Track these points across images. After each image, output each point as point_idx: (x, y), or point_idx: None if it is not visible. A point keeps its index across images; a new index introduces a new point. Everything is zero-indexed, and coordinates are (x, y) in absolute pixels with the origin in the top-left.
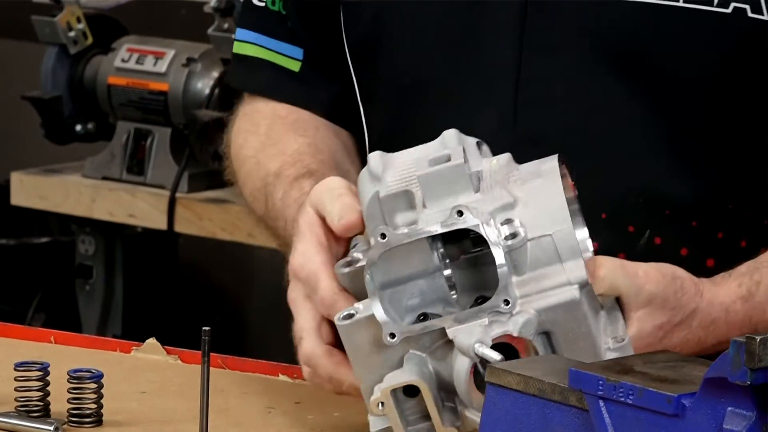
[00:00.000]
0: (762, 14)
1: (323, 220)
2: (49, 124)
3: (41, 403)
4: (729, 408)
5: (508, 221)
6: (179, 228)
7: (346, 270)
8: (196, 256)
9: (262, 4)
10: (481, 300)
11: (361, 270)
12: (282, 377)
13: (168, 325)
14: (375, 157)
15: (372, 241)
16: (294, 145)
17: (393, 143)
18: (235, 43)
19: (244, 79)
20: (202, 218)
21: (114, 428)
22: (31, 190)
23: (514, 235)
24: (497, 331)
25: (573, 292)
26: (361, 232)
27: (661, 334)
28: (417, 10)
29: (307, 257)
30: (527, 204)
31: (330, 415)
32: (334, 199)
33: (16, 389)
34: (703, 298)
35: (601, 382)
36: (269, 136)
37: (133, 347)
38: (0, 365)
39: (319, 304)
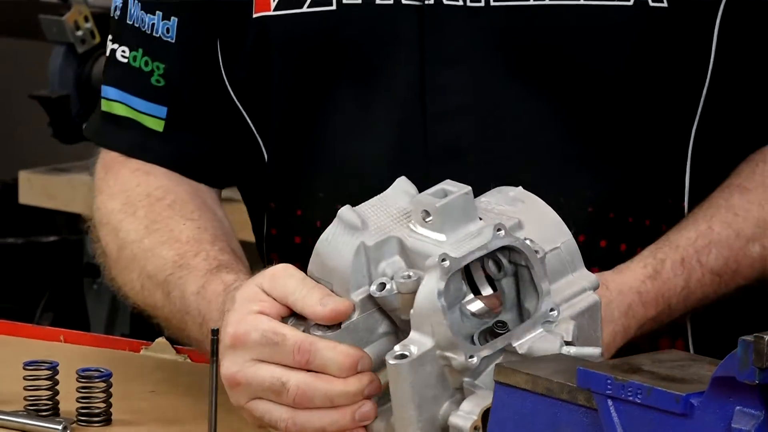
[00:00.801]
0: (662, 2)
1: (278, 301)
2: (57, 123)
3: (50, 402)
4: (737, 407)
5: (528, 239)
6: None
7: (330, 333)
8: None
9: (125, 61)
10: (501, 324)
11: (351, 325)
12: None
13: None
14: (348, 211)
15: (354, 295)
16: (186, 232)
17: (299, 172)
18: (102, 101)
19: (109, 138)
20: None
21: (123, 427)
22: (38, 189)
23: (536, 251)
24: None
25: (594, 296)
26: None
27: None
28: (303, 30)
29: (252, 321)
30: (528, 223)
31: None
32: (310, 287)
33: (25, 388)
34: (610, 289)
35: (609, 381)
36: (153, 220)
37: (143, 346)
38: (9, 364)
39: (295, 353)
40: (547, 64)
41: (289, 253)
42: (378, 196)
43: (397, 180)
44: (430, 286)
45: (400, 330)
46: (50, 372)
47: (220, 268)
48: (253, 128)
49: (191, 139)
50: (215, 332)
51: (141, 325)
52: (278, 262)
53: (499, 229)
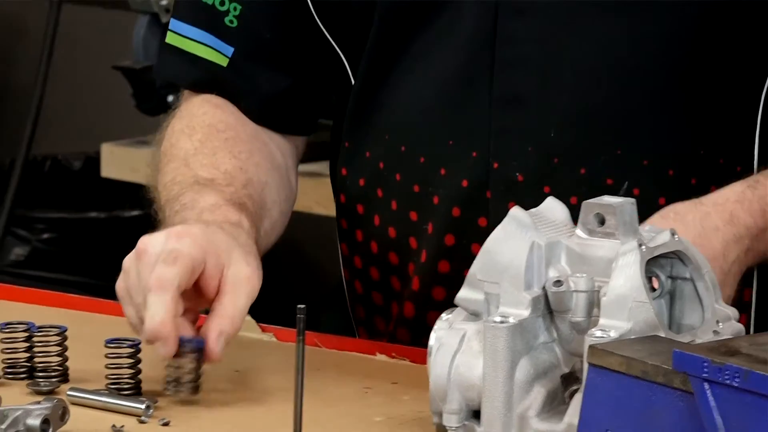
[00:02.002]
0: None
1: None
2: (141, 95)
3: (132, 381)
4: None
5: None
6: None
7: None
8: (291, 231)
9: None
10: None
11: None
12: (379, 356)
13: (263, 302)
14: (520, 211)
15: (527, 293)
16: (227, 165)
17: (370, 111)
18: (168, 33)
19: (176, 72)
20: (297, 192)
21: (207, 407)
22: (121, 162)
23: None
24: None
25: (739, 326)
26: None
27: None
28: None
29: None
30: None
31: (427, 396)
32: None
33: (106, 366)
34: (705, 204)
35: (706, 365)
36: (204, 144)
37: None
38: (91, 342)
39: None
40: (615, 18)
41: (354, 194)
42: (531, 210)
43: (547, 198)
44: (632, 267)
45: (558, 341)
46: (132, 350)
47: (238, 207)
48: (348, 68)
49: (256, 77)
50: (301, 310)
51: None
52: (345, 203)
53: (673, 234)
